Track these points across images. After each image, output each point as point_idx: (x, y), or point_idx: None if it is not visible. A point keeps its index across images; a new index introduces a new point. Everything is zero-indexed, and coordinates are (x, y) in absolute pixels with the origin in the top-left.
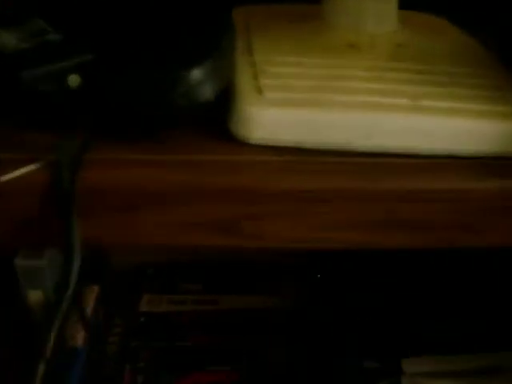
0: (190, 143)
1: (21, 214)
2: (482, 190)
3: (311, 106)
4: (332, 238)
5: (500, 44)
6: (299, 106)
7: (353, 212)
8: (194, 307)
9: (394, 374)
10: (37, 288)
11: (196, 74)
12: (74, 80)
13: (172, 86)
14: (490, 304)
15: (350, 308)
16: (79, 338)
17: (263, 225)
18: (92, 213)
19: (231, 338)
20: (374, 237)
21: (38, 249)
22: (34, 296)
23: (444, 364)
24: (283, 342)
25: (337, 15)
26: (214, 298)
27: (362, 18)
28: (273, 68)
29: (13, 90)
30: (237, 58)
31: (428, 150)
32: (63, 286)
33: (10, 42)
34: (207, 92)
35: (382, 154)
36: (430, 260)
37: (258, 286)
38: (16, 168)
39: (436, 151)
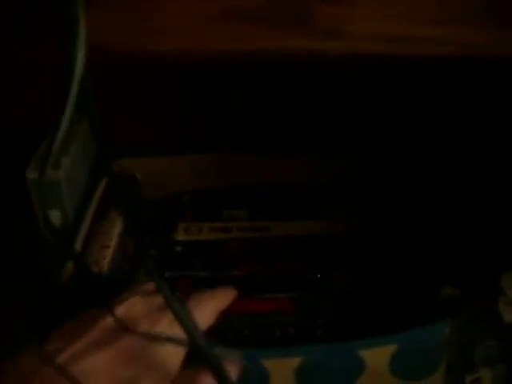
0: None
1: None
2: None
3: None
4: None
5: None
6: None
7: None
8: (240, 234)
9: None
10: (53, 207)
11: None
12: None
13: None
14: None
15: (415, 230)
16: (104, 263)
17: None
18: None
19: (285, 267)
20: None
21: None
22: (51, 217)
23: None
24: (345, 270)
25: None
26: (265, 225)
27: None
28: None
29: None
30: None
31: None
32: None
33: None
34: None
35: None
36: None
37: (313, 211)
38: None
39: None
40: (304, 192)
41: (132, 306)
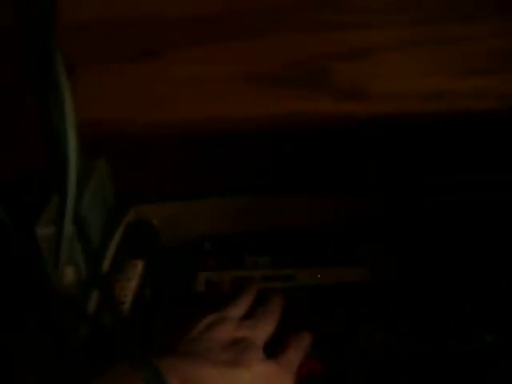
0: None
1: None
2: None
3: None
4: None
5: None
6: None
7: None
8: (263, 285)
9: None
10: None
11: None
12: None
13: None
14: None
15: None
16: None
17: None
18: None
19: (311, 321)
20: None
21: None
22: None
23: None
24: (379, 323)
25: None
26: (289, 273)
27: None
28: None
29: None
30: None
31: None
32: None
33: None
34: None
35: None
36: None
37: (337, 258)
38: None
39: None
40: (330, 235)
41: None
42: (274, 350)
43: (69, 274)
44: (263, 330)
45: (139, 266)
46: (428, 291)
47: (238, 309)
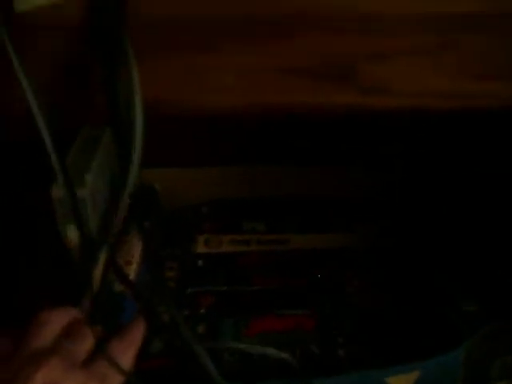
0: None
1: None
2: None
3: None
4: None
5: None
6: None
7: None
8: (259, 247)
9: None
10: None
11: None
12: None
13: None
14: None
15: (439, 246)
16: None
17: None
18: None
19: (304, 281)
20: None
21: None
22: (74, 233)
23: None
24: (367, 285)
25: None
26: (285, 238)
27: None
28: None
29: None
30: None
31: None
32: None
33: None
34: None
35: None
36: None
37: (330, 224)
38: None
39: None
40: (324, 204)
41: None
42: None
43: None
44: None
45: (144, 227)
46: (413, 259)
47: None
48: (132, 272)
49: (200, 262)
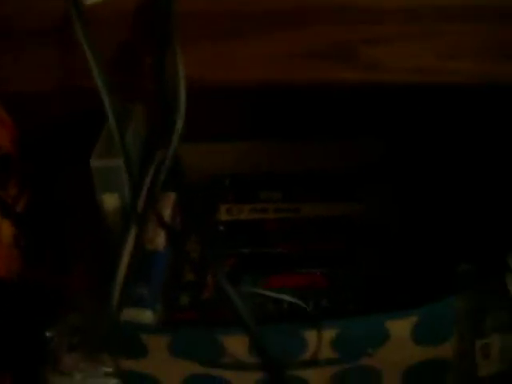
0: None
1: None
2: None
3: None
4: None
5: None
6: None
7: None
8: (275, 215)
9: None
10: (113, 191)
11: None
12: None
13: None
14: None
15: (441, 211)
16: (159, 241)
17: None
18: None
19: (318, 246)
20: None
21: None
22: (110, 200)
23: None
24: (372, 248)
25: None
26: (296, 206)
27: None
28: None
29: None
30: None
31: None
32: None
33: None
34: None
35: None
36: None
37: (339, 194)
38: None
39: None
40: (332, 176)
41: None
42: None
43: (114, 201)
44: None
45: (171, 197)
46: (415, 226)
47: None
48: (162, 234)
49: (222, 228)
